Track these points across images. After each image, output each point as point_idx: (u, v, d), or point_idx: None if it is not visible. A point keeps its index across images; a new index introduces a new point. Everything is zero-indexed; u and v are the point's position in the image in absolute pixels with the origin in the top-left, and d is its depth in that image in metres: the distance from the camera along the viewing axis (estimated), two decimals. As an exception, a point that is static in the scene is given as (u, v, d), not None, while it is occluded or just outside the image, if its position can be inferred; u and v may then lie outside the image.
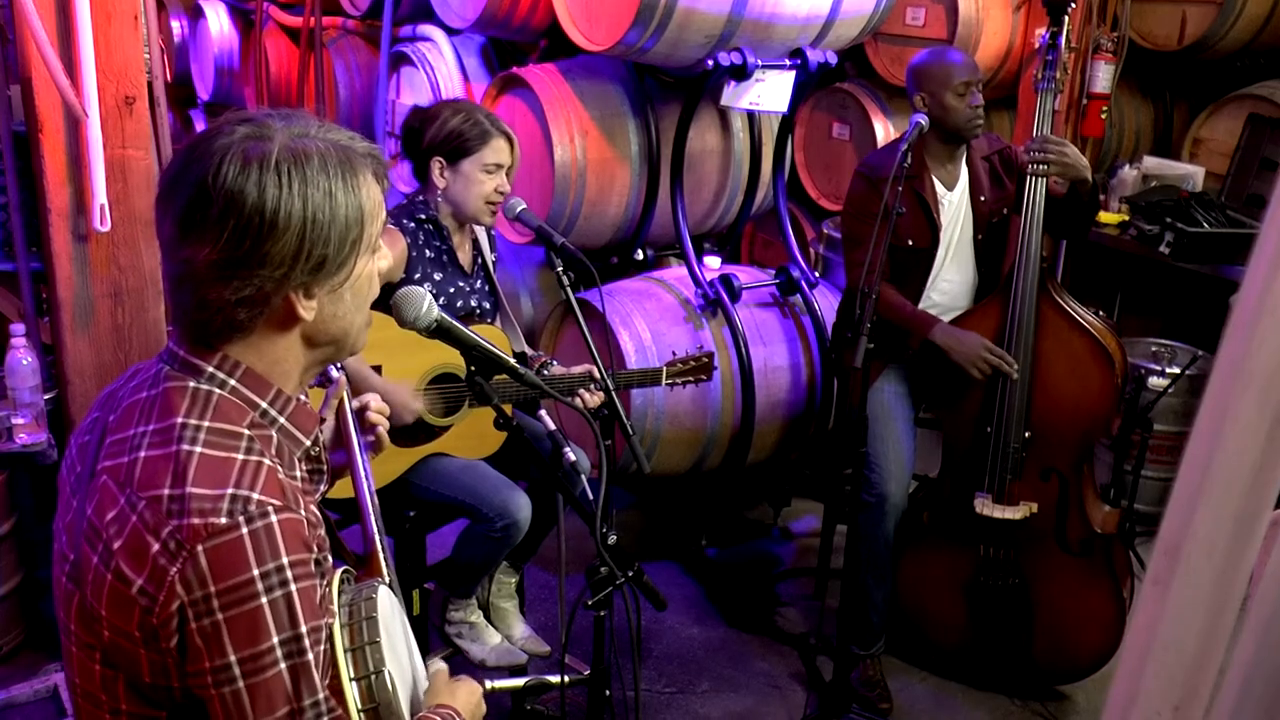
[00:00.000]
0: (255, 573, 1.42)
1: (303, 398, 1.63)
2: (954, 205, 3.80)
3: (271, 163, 1.45)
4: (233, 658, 1.41)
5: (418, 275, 3.46)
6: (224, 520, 1.42)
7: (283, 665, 1.44)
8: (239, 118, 1.51)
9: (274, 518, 1.45)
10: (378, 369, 3.35)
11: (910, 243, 3.72)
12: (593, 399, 3.35)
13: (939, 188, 3.78)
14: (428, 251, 3.49)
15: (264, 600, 1.42)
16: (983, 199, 3.81)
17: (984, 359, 3.55)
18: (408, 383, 3.40)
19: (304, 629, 1.46)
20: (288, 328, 1.55)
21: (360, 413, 2.18)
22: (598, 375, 3.26)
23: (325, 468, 1.84)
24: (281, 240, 1.45)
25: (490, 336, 3.22)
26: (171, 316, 1.55)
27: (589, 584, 2.32)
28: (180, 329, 1.54)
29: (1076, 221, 3.76)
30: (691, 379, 3.62)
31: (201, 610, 1.40)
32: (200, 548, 1.40)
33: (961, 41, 5.14)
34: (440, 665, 1.88)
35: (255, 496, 1.45)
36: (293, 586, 1.45)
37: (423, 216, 3.50)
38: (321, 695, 1.48)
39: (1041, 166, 3.55)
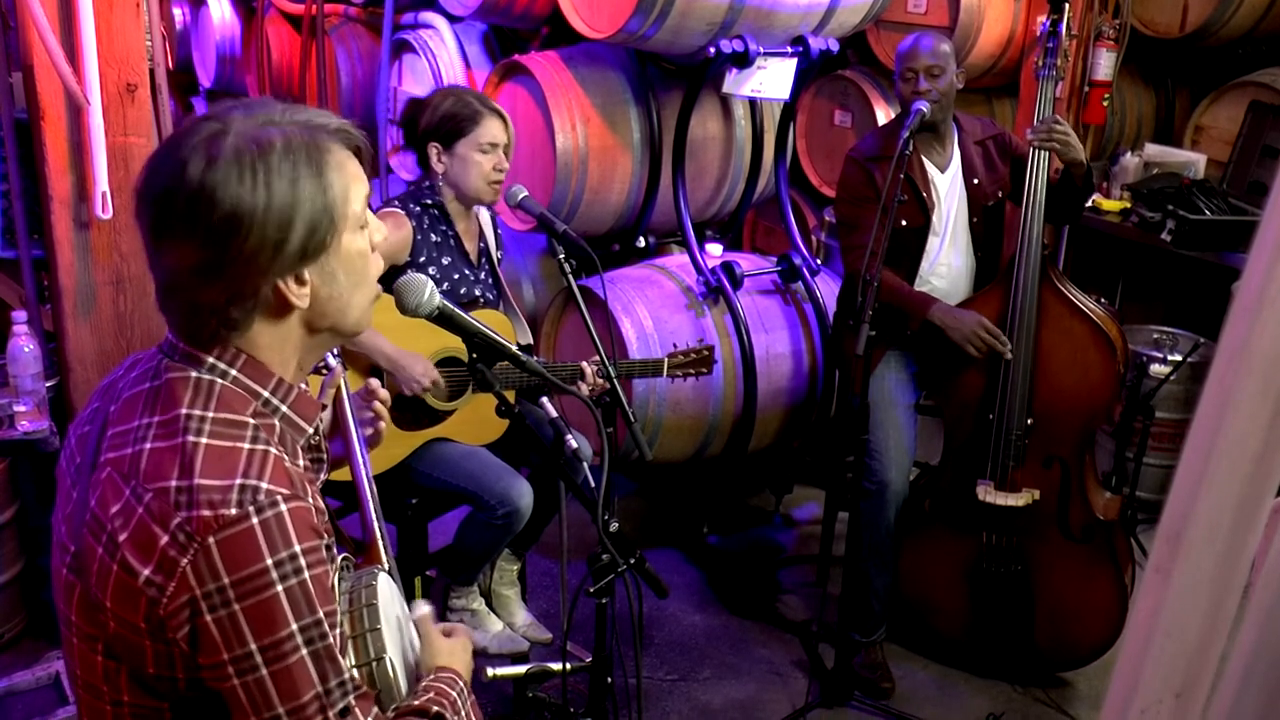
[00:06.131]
0: (269, 562, 1.42)
1: (303, 386, 1.63)
2: (947, 187, 3.83)
3: (232, 157, 1.44)
4: (253, 646, 1.41)
5: (423, 259, 3.47)
6: (234, 511, 1.41)
7: (304, 651, 1.44)
8: (204, 117, 1.50)
9: (283, 506, 1.45)
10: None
11: (904, 223, 3.74)
12: (591, 375, 3.38)
13: (930, 168, 3.82)
14: (434, 236, 3.51)
15: (279, 589, 1.42)
16: (976, 181, 3.83)
17: (980, 336, 3.56)
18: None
19: (321, 614, 1.46)
20: (283, 316, 1.54)
21: (369, 394, 2.17)
22: (599, 361, 3.28)
23: (325, 456, 1.84)
24: (252, 235, 1.44)
25: (493, 323, 3.23)
26: (167, 322, 1.54)
27: (591, 571, 2.32)
28: (176, 333, 1.54)
29: (1070, 205, 3.79)
30: (692, 371, 3.62)
31: (216, 602, 1.40)
32: (211, 539, 1.40)
33: (963, 29, 5.13)
34: (424, 610, 1.87)
35: (264, 486, 1.44)
36: (306, 574, 1.45)
37: (429, 202, 3.52)
38: (347, 675, 1.49)
39: (1047, 144, 3.57)
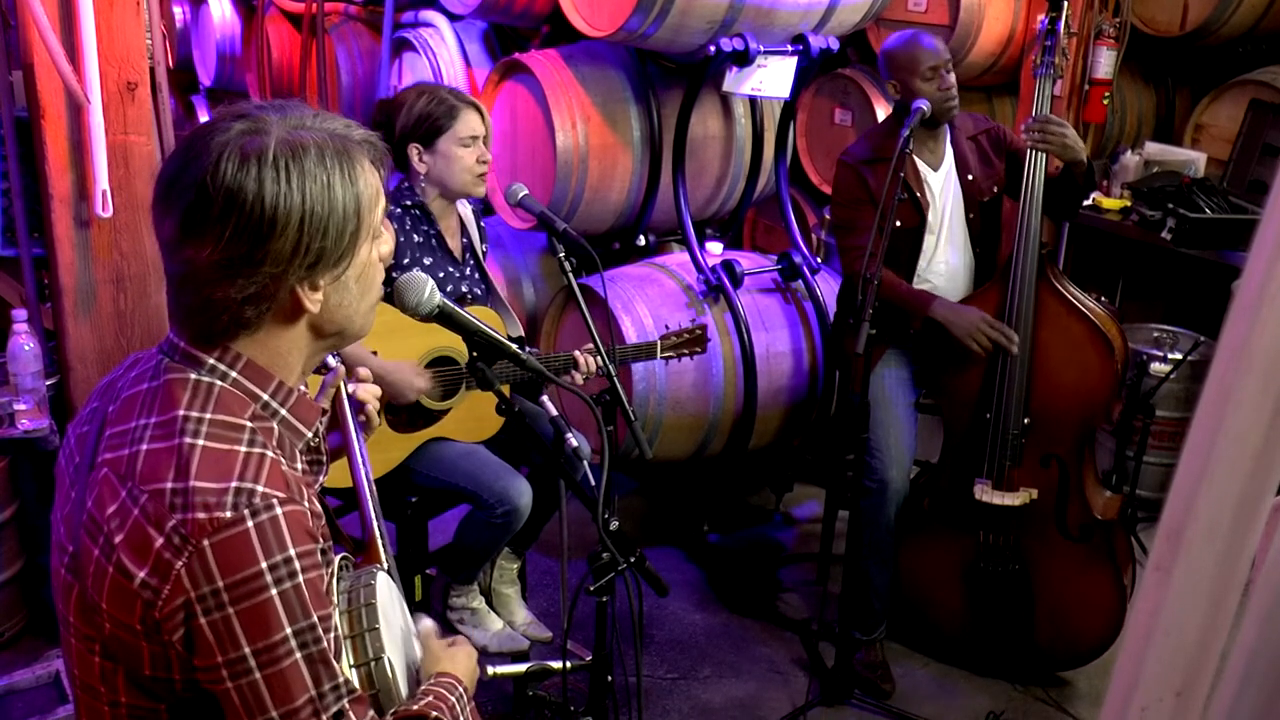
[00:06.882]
0: (263, 565, 1.41)
1: (303, 388, 1.63)
2: (941, 185, 3.82)
3: (269, 157, 1.44)
4: (246, 649, 1.41)
5: (407, 260, 3.46)
6: (229, 514, 1.41)
7: (298, 655, 1.44)
8: (234, 113, 1.50)
9: (279, 510, 1.44)
10: (373, 354, 3.36)
11: (898, 223, 3.73)
12: (586, 366, 3.38)
13: (923, 168, 3.81)
14: (416, 236, 3.50)
15: (274, 592, 1.42)
16: (971, 178, 3.83)
17: (983, 332, 3.54)
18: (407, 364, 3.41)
19: (316, 618, 1.46)
20: (294, 320, 1.54)
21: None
22: (592, 349, 3.28)
23: (324, 458, 1.84)
24: (282, 236, 1.45)
25: (485, 318, 3.23)
26: (173, 316, 1.54)
27: (591, 570, 2.32)
28: (183, 328, 1.53)
29: (1068, 202, 3.78)
30: (686, 351, 3.62)
31: (210, 605, 1.40)
32: (206, 542, 1.40)
33: (963, 27, 5.13)
34: (427, 623, 1.88)
35: (259, 489, 1.44)
36: (301, 578, 1.44)
37: (409, 203, 3.51)
38: (341, 679, 1.49)
39: (1042, 144, 3.56)
